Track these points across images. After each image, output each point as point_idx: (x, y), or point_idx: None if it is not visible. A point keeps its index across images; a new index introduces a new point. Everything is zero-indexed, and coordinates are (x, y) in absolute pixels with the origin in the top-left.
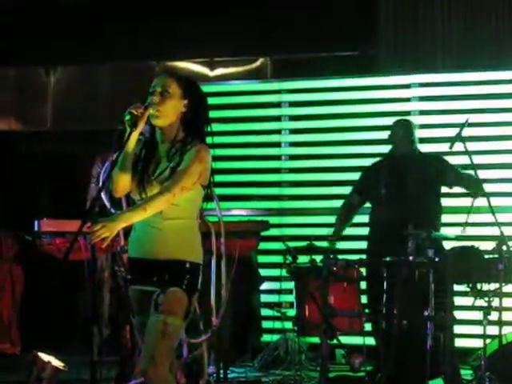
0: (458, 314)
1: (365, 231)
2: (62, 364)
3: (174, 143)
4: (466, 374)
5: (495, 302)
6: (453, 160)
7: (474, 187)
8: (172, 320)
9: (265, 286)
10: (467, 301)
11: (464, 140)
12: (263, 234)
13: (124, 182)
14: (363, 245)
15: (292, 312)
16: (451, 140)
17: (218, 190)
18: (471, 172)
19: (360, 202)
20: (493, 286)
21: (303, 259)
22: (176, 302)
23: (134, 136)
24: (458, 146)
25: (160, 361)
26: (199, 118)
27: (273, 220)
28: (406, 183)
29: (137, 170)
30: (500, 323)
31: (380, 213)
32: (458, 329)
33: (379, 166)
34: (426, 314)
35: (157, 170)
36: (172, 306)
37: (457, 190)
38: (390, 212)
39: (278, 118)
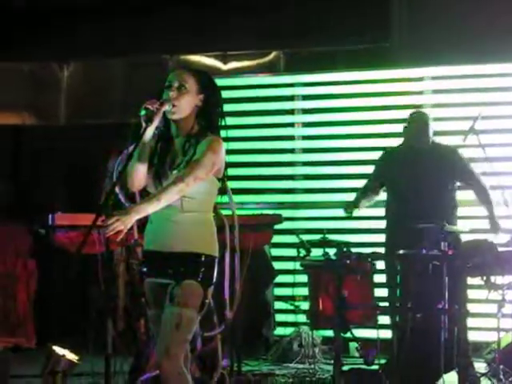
0: (472, 307)
1: (378, 224)
2: (77, 357)
3: (189, 137)
4: (480, 367)
5: (509, 295)
6: (466, 153)
7: (492, 226)
8: (187, 312)
9: (278, 279)
10: (481, 294)
11: (477, 133)
12: (277, 227)
13: (140, 176)
14: (377, 238)
15: (306, 305)
16: (464, 133)
17: (232, 184)
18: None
19: (377, 188)
20: (507, 279)
21: (317, 252)
22: (191, 294)
23: (150, 131)
24: (472, 139)
25: (174, 353)
26: (214, 112)
27: (286, 213)
28: (421, 176)
29: (153, 163)
30: None
31: (396, 206)
32: (471, 322)
33: (395, 156)
34: (439, 307)
35: (173, 163)
36: (187, 298)
37: None
38: (405, 205)
39: (291, 112)
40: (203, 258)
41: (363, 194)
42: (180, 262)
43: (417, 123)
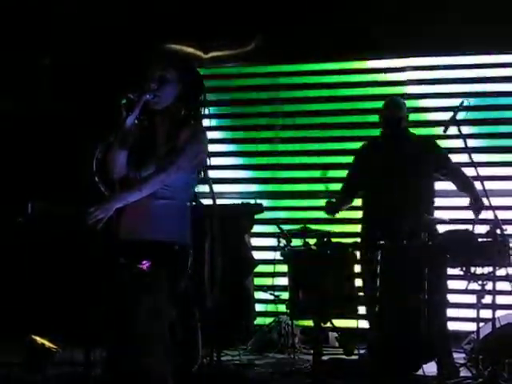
0: (452, 298)
1: (358, 215)
2: (56, 346)
3: (172, 126)
4: (459, 357)
5: (489, 286)
6: (447, 143)
7: (476, 203)
8: (159, 303)
9: (258, 268)
10: (461, 284)
11: (458, 123)
12: (257, 216)
13: (121, 165)
14: (358, 228)
15: (285, 295)
16: (446, 123)
17: (213, 173)
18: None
19: (352, 196)
20: (486, 270)
21: (297, 242)
22: (163, 284)
23: (130, 119)
24: (453, 130)
25: (148, 345)
26: (196, 100)
27: (267, 203)
28: (397, 167)
29: (135, 151)
30: (493, 306)
31: (373, 196)
32: (451, 312)
33: (370, 149)
34: (419, 297)
35: (154, 152)
36: (159, 288)
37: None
38: (382, 196)
39: (272, 101)
40: (176, 247)
41: (342, 199)
42: (153, 250)
43: (390, 108)
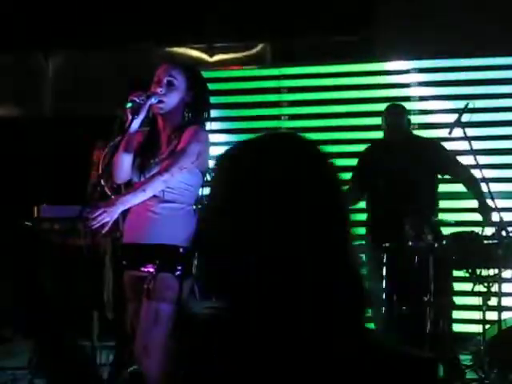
0: (458, 300)
1: (358, 217)
2: None
3: (175, 129)
4: (465, 359)
5: (494, 288)
6: (452, 146)
7: (484, 213)
8: (163, 307)
9: None
10: (466, 286)
11: (463, 126)
12: None
13: (126, 168)
14: (357, 231)
15: None
16: (450, 126)
17: None
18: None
19: (361, 193)
20: (492, 272)
21: None
22: (167, 288)
23: (136, 123)
24: (458, 132)
25: (154, 350)
26: (200, 106)
27: None
28: (401, 168)
29: (138, 155)
30: (499, 308)
31: (377, 198)
32: (457, 314)
33: (372, 152)
34: (425, 299)
35: (157, 155)
36: (163, 292)
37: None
38: (387, 198)
39: (276, 104)
40: (181, 251)
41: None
42: (157, 254)
43: (391, 116)
